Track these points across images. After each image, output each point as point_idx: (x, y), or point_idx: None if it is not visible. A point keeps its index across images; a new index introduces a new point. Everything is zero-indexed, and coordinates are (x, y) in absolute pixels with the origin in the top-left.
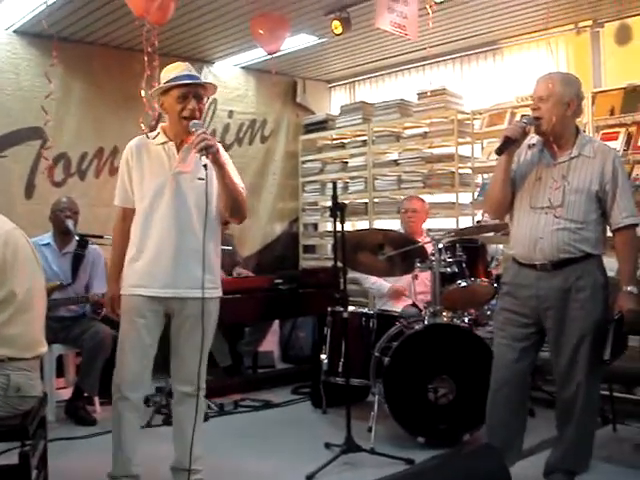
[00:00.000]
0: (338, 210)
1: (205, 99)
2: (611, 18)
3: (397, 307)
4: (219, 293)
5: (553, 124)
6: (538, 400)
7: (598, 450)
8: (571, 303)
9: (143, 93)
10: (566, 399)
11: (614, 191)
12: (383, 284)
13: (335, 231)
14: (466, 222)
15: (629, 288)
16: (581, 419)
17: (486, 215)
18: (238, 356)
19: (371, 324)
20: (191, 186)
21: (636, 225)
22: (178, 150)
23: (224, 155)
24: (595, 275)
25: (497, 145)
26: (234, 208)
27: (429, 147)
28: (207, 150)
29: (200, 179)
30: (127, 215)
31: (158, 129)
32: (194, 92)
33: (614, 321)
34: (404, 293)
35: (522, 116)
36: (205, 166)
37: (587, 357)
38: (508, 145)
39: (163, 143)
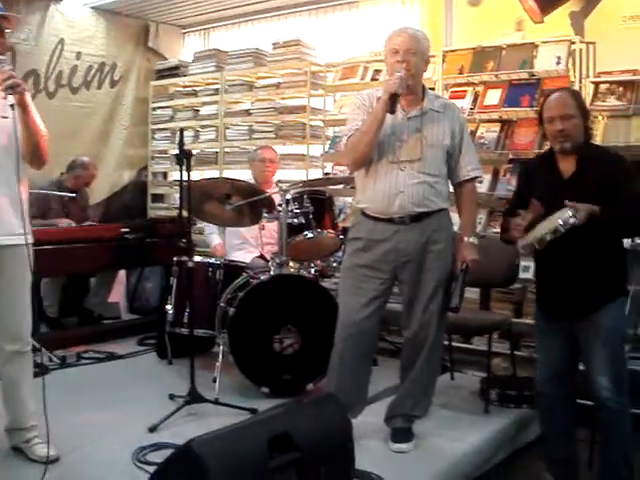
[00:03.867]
0: (184, 158)
1: (7, 32)
2: None
3: (245, 258)
4: (32, 239)
5: (416, 78)
6: (381, 350)
7: (436, 397)
8: (428, 255)
9: None
10: (414, 346)
11: (461, 145)
12: (214, 238)
13: (181, 180)
14: (316, 174)
15: (471, 239)
16: (425, 366)
17: (336, 168)
18: (86, 311)
19: (217, 274)
20: None
21: (478, 178)
22: None
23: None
24: (448, 228)
25: (386, 105)
26: (35, 153)
27: (282, 98)
28: (14, 89)
29: (4, 117)
30: None
31: None
32: None
33: (463, 271)
34: (221, 254)
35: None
36: (12, 106)
37: (439, 306)
38: (397, 101)
39: None
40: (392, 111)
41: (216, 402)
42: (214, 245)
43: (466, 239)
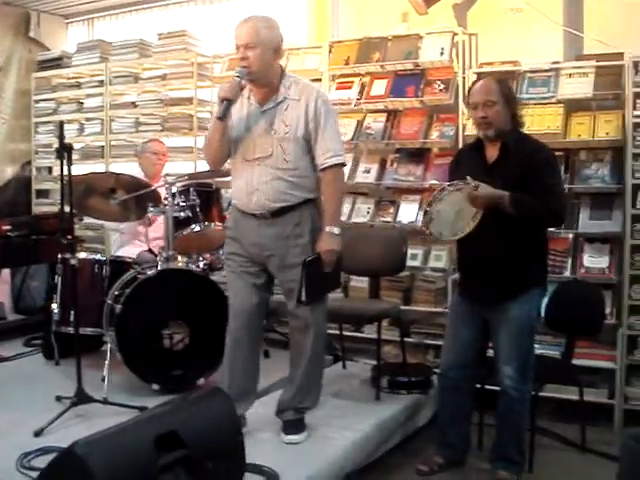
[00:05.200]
0: (64, 152)
1: None
2: None
3: (133, 253)
4: None
5: (262, 71)
6: (273, 341)
7: (328, 387)
8: (291, 249)
9: None
10: (296, 339)
11: (317, 131)
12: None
13: (62, 174)
14: (204, 167)
15: (331, 229)
16: (310, 357)
17: None
18: None
19: (104, 271)
20: None
21: (342, 165)
22: None
23: None
24: (313, 219)
25: (217, 112)
26: None
27: (168, 89)
28: None
29: None
30: None
31: None
32: None
33: (306, 263)
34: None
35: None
36: None
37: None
38: (229, 107)
39: None
40: (223, 117)
41: (105, 402)
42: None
43: (327, 229)
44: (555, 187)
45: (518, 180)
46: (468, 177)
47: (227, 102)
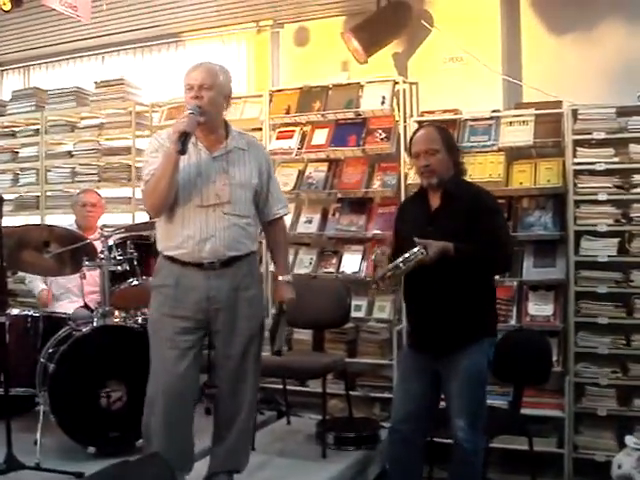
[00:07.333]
0: None
1: None
2: (290, 20)
3: (68, 308)
4: None
5: (213, 114)
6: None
7: (272, 444)
8: (240, 302)
9: None
10: (232, 403)
11: (269, 183)
12: (37, 285)
13: None
14: (143, 218)
15: (287, 277)
16: (245, 420)
17: None
18: None
19: (37, 328)
20: None
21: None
22: None
23: None
24: (257, 272)
25: (176, 145)
26: None
27: (106, 139)
28: None
29: None
30: None
31: None
32: None
33: (280, 313)
34: (48, 301)
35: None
36: None
37: (255, 357)
38: (188, 140)
39: None
40: (183, 151)
41: (37, 468)
42: (39, 292)
43: (282, 278)
44: (500, 230)
45: (462, 226)
46: (416, 239)
47: (186, 135)
